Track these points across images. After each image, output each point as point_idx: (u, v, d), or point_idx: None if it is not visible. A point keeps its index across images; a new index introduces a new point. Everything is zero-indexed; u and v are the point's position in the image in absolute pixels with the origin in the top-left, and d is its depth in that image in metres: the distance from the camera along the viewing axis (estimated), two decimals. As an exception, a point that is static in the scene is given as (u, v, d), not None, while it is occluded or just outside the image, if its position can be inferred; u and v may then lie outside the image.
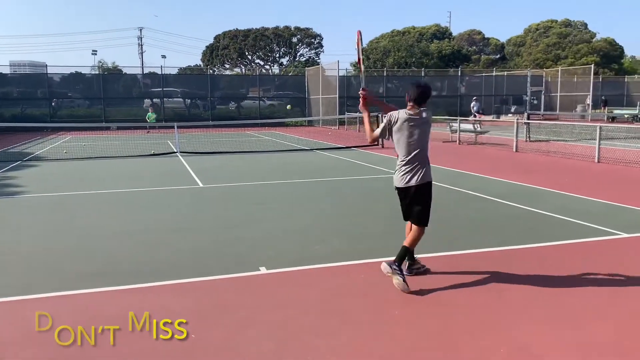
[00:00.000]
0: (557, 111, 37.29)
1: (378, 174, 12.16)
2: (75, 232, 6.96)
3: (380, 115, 5.08)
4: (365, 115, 5.18)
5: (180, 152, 16.96)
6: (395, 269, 4.69)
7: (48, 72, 32.63)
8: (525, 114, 19.02)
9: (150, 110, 29.85)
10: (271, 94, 38.18)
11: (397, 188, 5.00)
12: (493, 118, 37.55)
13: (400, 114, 4.85)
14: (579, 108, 37.11)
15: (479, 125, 19.17)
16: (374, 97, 5.28)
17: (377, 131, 5.00)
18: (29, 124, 25.73)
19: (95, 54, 59.96)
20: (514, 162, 14.05)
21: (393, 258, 4.79)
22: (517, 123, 16.76)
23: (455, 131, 19.61)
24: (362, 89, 5.18)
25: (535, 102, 39.59)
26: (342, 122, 31.35)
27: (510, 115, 39.72)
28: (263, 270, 5.32)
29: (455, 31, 70.67)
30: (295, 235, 6.75)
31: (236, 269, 5.37)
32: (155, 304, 4.48)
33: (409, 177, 4.88)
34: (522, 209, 8.11)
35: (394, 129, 4.87)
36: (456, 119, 20.09)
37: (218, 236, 6.74)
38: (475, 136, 19.23)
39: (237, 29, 56.03)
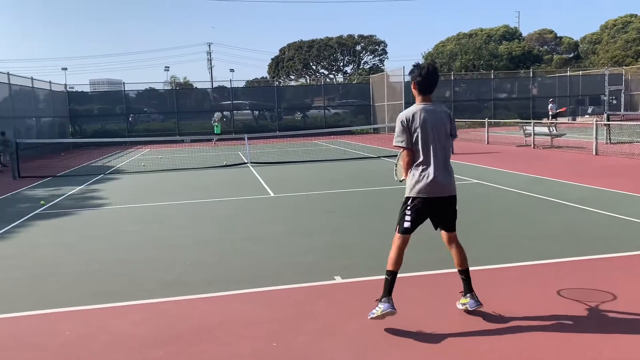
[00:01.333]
0: (639, 111, 35.13)
1: (449, 180, 11.89)
2: (154, 242, 7.24)
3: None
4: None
5: (251, 162, 17.36)
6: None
7: (125, 89, 34.45)
8: (605, 115, 18.00)
9: (216, 121, 30.79)
10: (335, 103, 38.39)
11: (429, 198, 4.12)
12: (569, 120, 35.92)
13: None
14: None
15: (554, 128, 18.35)
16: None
17: (400, 143, 4.13)
18: (109, 139, 27.15)
19: (168, 70, 63.37)
20: (593, 166, 13.33)
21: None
22: (596, 124, 15.88)
23: (530, 134, 18.87)
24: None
25: (614, 102, 37.46)
26: (408, 129, 30.99)
27: (587, 116, 37.85)
28: (338, 279, 5.32)
29: (524, 31, 68.35)
30: (369, 244, 6.70)
31: (311, 278, 5.39)
32: (235, 312, 4.58)
33: (445, 184, 4.16)
34: (603, 215, 7.67)
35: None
36: (530, 122, 19.33)
37: (292, 244, 6.81)
38: (551, 139, 18.42)
39: (301, 40, 56.93)
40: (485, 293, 4.55)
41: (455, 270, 4.45)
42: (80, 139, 30.67)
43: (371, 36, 56.17)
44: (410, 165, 4.15)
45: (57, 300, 5.06)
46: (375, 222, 8.00)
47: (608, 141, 17.89)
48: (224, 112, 36.49)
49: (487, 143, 21.41)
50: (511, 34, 64.16)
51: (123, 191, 12.40)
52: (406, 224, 4.18)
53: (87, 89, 40.91)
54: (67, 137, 31.13)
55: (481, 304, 4.23)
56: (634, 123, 20.24)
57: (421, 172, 4.09)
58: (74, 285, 5.49)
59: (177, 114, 34.83)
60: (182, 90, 39.99)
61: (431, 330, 4.05)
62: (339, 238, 7.04)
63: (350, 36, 55.81)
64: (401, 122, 4.08)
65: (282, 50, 58.37)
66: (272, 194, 10.98)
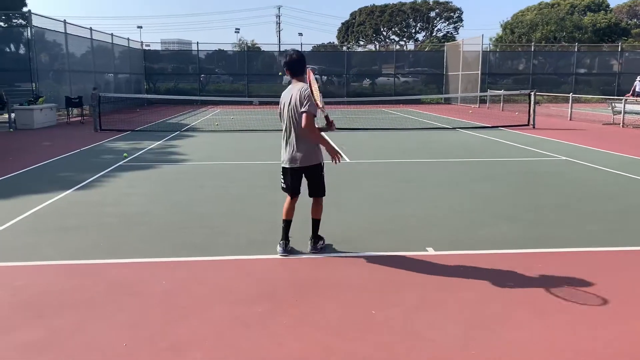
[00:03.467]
0: None
1: (534, 155, 11.31)
2: (238, 199, 7.28)
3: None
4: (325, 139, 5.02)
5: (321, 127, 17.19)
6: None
7: (196, 49, 34.90)
8: None
9: None
10: (406, 71, 37.39)
11: (289, 168, 5.05)
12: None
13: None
14: None
15: (648, 106, 17.05)
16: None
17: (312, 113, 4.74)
18: (183, 97, 27.70)
19: (238, 32, 63.11)
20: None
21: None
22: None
23: (619, 112, 17.65)
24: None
25: None
26: (482, 100, 29.84)
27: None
28: (431, 250, 5.12)
29: (613, 2, 63.65)
30: (457, 216, 6.44)
31: (403, 247, 5.22)
32: (332, 275, 4.49)
33: (297, 156, 4.99)
34: None
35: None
36: (620, 99, 18.05)
37: (375, 213, 6.65)
38: (643, 118, 17.16)
39: (374, 4, 55.51)
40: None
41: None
42: (154, 95, 31.49)
43: (447, 2, 54.00)
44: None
45: (151, 250, 5.16)
46: (458, 194, 7.68)
47: None
48: (293, 76, 36.40)
49: (570, 119, 20.25)
50: (597, 5, 59.97)
51: (200, 148, 12.59)
52: (283, 185, 5.14)
53: (158, 47, 41.61)
54: (143, 93, 32.05)
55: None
56: None
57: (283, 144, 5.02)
58: (166, 236, 5.58)
59: (247, 76, 35.05)
60: (252, 53, 40.08)
61: (544, 312, 3.81)
62: (423, 209, 6.81)
63: (425, 2, 53.88)
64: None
65: (352, 15, 57.23)
66: (347, 160, 10.81)
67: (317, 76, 36.32)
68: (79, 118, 20.75)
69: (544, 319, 3.69)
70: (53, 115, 19.02)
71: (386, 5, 54.48)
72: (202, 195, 7.58)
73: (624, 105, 17.30)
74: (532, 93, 17.97)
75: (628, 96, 18.42)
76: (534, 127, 17.00)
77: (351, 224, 6.06)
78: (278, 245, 4.98)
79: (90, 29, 24.31)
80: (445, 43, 40.83)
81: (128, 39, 30.11)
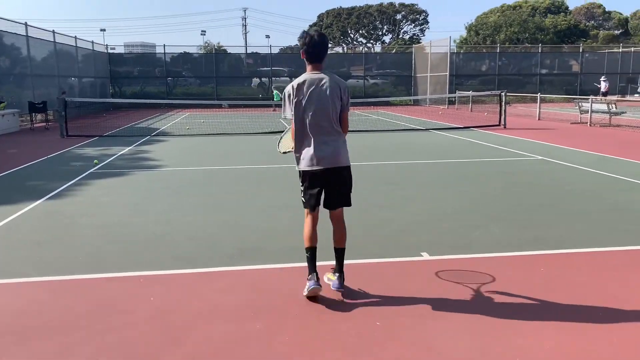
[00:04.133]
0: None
1: (510, 155, 11.39)
2: (220, 206, 7.03)
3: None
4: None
5: (297, 129, 17.03)
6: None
7: (162, 52, 34.20)
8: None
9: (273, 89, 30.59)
10: (375, 73, 37.54)
11: (315, 171, 3.97)
12: (618, 98, 34.43)
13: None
14: None
15: (614, 106, 17.48)
16: None
17: (287, 115, 3.96)
18: (152, 101, 27.14)
19: (204, 35, 62.61)
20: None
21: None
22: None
23: (586, 112, 18.04)
24: None
25: (668, 81, 35.74)
26: (451, 102, 30.17)
27: (637, 95, 36.22)
28: (426, 255, 5.01)
29: (571, 5, 65.57)
30: (447, 219, 6.35)
31: (398, 253, 5.09)
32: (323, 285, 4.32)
33: (328, 155, 3.96)
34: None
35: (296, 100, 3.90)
36: (587, 99, 18.46)
37: (363, 217, 6.51)
38: (609, 118, 17.57)
39: (340, 7, 55.67)
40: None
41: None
42: (123, 99, 30.73)
43: (412, 5, 54.58)
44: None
45: (136, 264, 4.89)
46: (446, 196, 7.62)
47: (671, 122, 16.95)
48: (262, 79, 36.14)
49: (539, 119, 20.61)
50: (557, 7, 61.59)
51: (173, 153, 12.24)
52: (303, 199, 4.10)
53: (122, 50, 40.57)
54: (108, 97, 31.22)
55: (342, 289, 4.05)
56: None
57: (306, 144, 3.94)
58: (150, 248, 5.31)
59: (216, 78, 34.57)
60: (220, 55, 39.54)
61: (556, 317, 3.72)
62: (412, 212, 6.71)
63: (391, 4, 54.31)
64: (286, 93, 3.92)
65: (320, 17, 57.30)
66: (327, 163, 10.66)
67: (288, 78, 36.21)
68: (44, 124, 20.02)
69: (553, 323, 3.60)
70: (15, 121, 18.29)
71: (353, 8, 54.71)
72: (183, 203, 7.30)
73: (591, 105, 17.69)
74: (503, 94, 18.20)
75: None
76: (505, 127, 17.21)
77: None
78: (307, 282, 3.99)
79: (53, 31, 23.51)
80: (413, 45, 41.20)
81: (92, 42, 29.30)
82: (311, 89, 3.86)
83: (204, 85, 35.30)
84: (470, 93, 27.68)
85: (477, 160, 10.91)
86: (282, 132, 4.69)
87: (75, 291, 4.27)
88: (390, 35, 55.74)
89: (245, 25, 79.74)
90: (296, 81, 3.92)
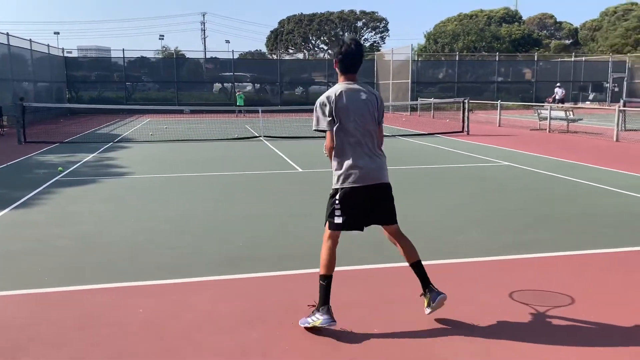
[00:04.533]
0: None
1: (476, 161, 11.65)
2: (197, 214, 6.90)
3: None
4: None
5: (264, 136, 16.95)
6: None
7: (122, 56, 33.44)
8: (622, 102, 17.85)
9: (238, 92, 30.36)
10: (336, 79, 37.72)
11: (359, 187, 3.62)
12: (571, 106, 35.77)
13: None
14: (666, 96, 34.76)
15: (571, 113, 18.15)
16: None
17: (323, 127, 3.63)
18: (113, 106, 26.43)
19: (162, 39, 61.12)
20: (621, 152, 13.13)
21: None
22: (619, 111, 15.69)
23: (545, 118, 18.66)
24: None
25: (616, 89, 37.42)
26: (413, 108, 30.67)
27: (589, 102, 37.77)
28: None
29: (524, 15, 67.86)
30: (427, 224, 6.43)
31: (384, 259, 5.10)
32: (314, 292, 4.28)
33: (374, 169, 3.68)
34: (661, 203, 7.46)
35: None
36: (546, 106, 19.09)
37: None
38: (567, 124, 18.23)
39: (302, 13, 55.85)
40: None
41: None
42: (85, 105, 29.83)
43: (373, 13, 55.28)
44: (332, 149, 3.65)
45: (119, 274, 4.74)
46: (426, 202, 7.72)
47: (623, 128, 17.72)
48: (225, 84, 35.82)
49: (499, 125, 21.18)
50: (511, 17, 63.64)
51: (140, 160, 11.97)
52: (337, 220, 3.66)
53: (75, 54, 39.17)
54: (64, 102, 30.27)
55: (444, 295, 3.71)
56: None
57: (344, 159, 3.61)
58: (131, 258, 5.16)
59: (176, 83, 34.04)
60: (180, 60, 38.98)
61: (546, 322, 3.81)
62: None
63: (352, 11, 54.87)
64: (321, 104, 3.60)
65: (281, 23, 57.27)
66: (299, 169, 10.65)
67: (250, 84, 36.02)
68: (-2, 130, 19.24)
69: (549, 329, 3.69)
70: (-33, 127, 17.49)
71: (314, 14, 54.96)
72: (158, 211, 7.13)
73: (550, 112, 18.31)
74: (465, 101, 18.63)
75: (549, 99, 19.57)
76: (468, 134, 17.60)
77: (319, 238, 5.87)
78: (317, 314, 3.58)
79: (7, 34, 22.65)
80: (375, 52, 41.71)
81: (48, 46, 28.37)
82: (350, 100, 3.55)
83: (164, 90, 34.71)
84: (432, 100, 28.21)
85: (447, 167, 11.11)
86: None
87: (58, 304, 4.11)
88: (351, 42, 56.19)
89: (204, 30, 79.05)
90: (331, 92, 3.60)
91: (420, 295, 3.85)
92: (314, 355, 3.34)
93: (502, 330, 3.63)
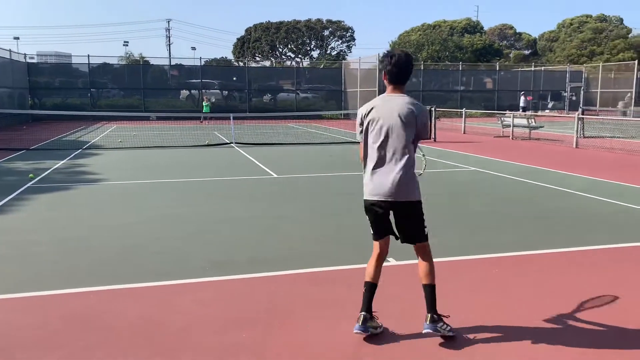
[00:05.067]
0: (597, 107, 36.62)
1: (445, 167, 12.01)
2: (179, 219, 6.96)
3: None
4: None
5: (236, 142, 17.00)
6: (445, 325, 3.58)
7: (87, 62, 32.87)
8: (580, 110, 18.67)
9: (205, 100, 30.16)
10: (306, 87, 38.02)
11: (383, 202, 3.62)
12: (531, 113, 37.01)
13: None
14: (620, 104, 36.33)
15: (533, 120, 18.85)
16: None
17: (358, 138, 3.74)
18: (81, 113, 25.96)
19: (127, 45, 60.38)
20: (581, 158, 13.74)
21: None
22: (578, 119, 16.40)
23: (508, 126, 19.31)
24: None
25: (574, 98, 38.89)
26: (380, 116, 31.16)
27: (548, 111, 39.13)
28: (392, 261, 5.24)
29: (485, 25, 69.75)
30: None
31: (358, 259, 5.28)
32: (310, 293, 4.44)
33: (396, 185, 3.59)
34: (624, 205, 7.90)
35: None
36: (507, 113, 19.76)
37: (325, 225, 6.69)
38: (529, 131, 18.91)
39: (269, 21, 56.04)
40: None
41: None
42: (43, 111, 29.17)
43: (339, 22, 55.94)
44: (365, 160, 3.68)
45: (104, 278, 4.77)
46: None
47: (582, 135, 18.50)
48: (192, 91, 35.62)
49: (464, 133, 21.78)
50: (473, 27, 65.38)
51: (112, 166, 11.87)
52: (372, 230, 3.73)
53: (34, 60, 38.02)
54: (27, 109, 29.54)
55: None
56: (608, 119, 21.07)
57: (372, 170, 3.61)
58: (115, 263, 5.20)
59: (143, 90, 33.67)
60: (146, 67, 38.55)
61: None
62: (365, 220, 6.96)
63: (319, 20, 55.40)
64: (360, 115, 3.66)
65: (248, 31, 57.31)
66: (275, 175, 10.78)
67: (218, 90, 35.91)
68: (-42, 136, 18.69)
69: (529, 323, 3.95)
70: None
71: (281, 23, 55.23)
72: (137, 216, 7.15)
73: (513, 120, 18.96)
74: (432, 108, 19.11)
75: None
76: (435, 140, 18.05)
77: (310, 238, 6.04)
78: (357, 321, 3.60)
79: (-33, 38, 22.02)
80: (343, 61, 42.21)
81: (10, 51, 27.69)
82: (383, 112, 3.55)
83: (129, 97, 34.27)
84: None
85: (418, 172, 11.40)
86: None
87: (44, 308, 4.13)
88: (318, 51, 56.74)
89: (169, 37, 78.28)
90: (371, 103, 3.65)
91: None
92: (308, 350, 3.48)
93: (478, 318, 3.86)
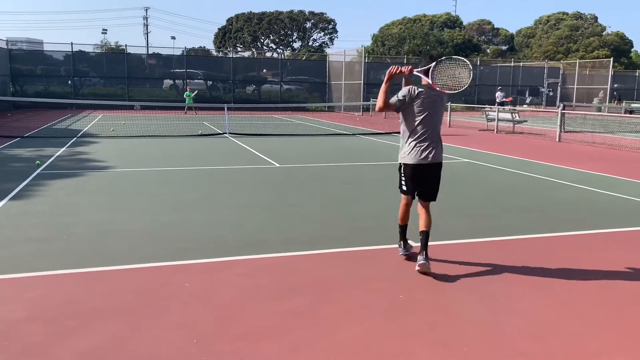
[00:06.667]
0: (574, 103, 37.73)
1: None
2: (197, 205, 7.28)
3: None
4: (386, 85, 4.97)
5: (229, 133, 17.25)
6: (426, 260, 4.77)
7: (68, 50, 32.46)
8: (562, 105, 19.42)
9: (187, 89, 30.06)
10: (289, 79, 38.20)
11: (414, 165, 4.90)
12: (510, 108, 37.95)
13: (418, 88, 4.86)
14: (595, 101, 37.51)
15: (517, 115, 19.52)
16: (409, 78, 4.98)
17: (393, 99, 4.91)
18: (75, 101, 25.61)
19: (106, 33, 59.89)
20: (565, 151, 14.41)
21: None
22: (561, 114, 17.12)
23: (492, 120, 19.96)
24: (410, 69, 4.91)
25: (551, 93, 39.99)
26: (365, 109, 31.63)
27: (526, 106, 40.14)
28: (411, 242, 5.68)
29: (464, 20, 70.71)
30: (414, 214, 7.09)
31: (387, 241, 5.71)
32: (343, 270, 4.85)
33: (430, 153, 4.88)
34: (615, 196, 8.50)
35: (411, 101, 4.83)
36: (491, 107, 20.40)
37: (340, 212, 7.08)
38: (513, 125, 19.59)
39: (251, 12, 55.92)
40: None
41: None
42: (24, 98, 28.83)
43: (322, 14, 56.15)
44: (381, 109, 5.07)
45: (147, 256, 5.10)
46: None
47: (562, 130, 19.25)
48: (176, 81, 35.53)
49: (449, 126, 22.38)
50: (453, 22, 66.29)
51: (113, 155, 12.05)
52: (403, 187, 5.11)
53: (3, 44, 37.10)
54: (8, 96, 29.16)
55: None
56: (586, 114, 21.93)
57: (415, 141, 4.89)
58: (151, 242, 5.52)
59: (127, 79, 33.48)
60: (130, 56, 38.21)
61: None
62: (378, 208, 7.40)
63: (301, 12, 55.51)
64: (407, 90, 4.86)
65: (229, 21, 57.09)
66: (277, 165, 11.13)
67: (202, 81, 35.86)
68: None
69: (537, 296, 4.42)
70: None
71: (264, 13, 55.19)
72: (156, 202, 7.43)
73: (497, 114, 19.62)
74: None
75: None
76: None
77: (329, 223, 6.44)
78: (398, 247, 5.22)
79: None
80: (328, 53, 42.47)
81: (-8, 36, 27.23)
82: (428, 95, 4.82)
83: (110, 85, 34.01)
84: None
85: (413, 162, 11.89)
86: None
87: (105, 282, 4.45)
88: (300, 43, 56.87)
89: (147, 25, 77.25)
90: (414, 87, 4.86)
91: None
92: (359, 312, 3.90)
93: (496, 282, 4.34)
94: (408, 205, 5.12)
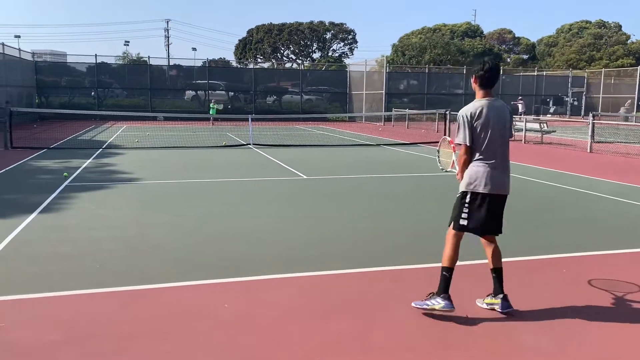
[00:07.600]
0: (599, 113, 37.00)
1: (471, 170, 12.19)
2: (234, 219, 7.10)
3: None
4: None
5: (254, 144, 17.15)
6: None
7: (93, 62, 32.84)
8: (591, 115, 18.90)
9: (212, 102, 30.15)
10: (309, 89, 38.14)
11: (489, 195, 4.06)
12: (533, 118, 37.36)
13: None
14: (622, 110, 36.73)
15: (546, 125, 19.11)
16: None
17: (461, 140, 4.04)
18: (98, 112, 26.01)
19: (128, 45, 60.81)
20: (599, 162, 13.98)
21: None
22: (593, 124, 16.68)
23: (520, 130, 19.57)
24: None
25: (575, 103, 39.31)
26: (387, 119, 31.41)
27: (549, 115, 39.53)
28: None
29: (484, 30, 70.26)
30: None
31: (429, 259, 5.46)
32: (388, 289, 4.61)
33: (506, 181, 4.13)
34: (654, 208, 8.12)
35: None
36: (519, 118, 20.01)
37: (372, 226, 6.84)
38: (541, 136, 19.18)
39: (271, 23, 56.20)
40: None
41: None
42: (49, 110, 29.18)
43: (342, 24, 56.18)
44: (468, 162, 4.07)
45: (184, 273, 4.92)
46: (438, 208, 8.15)
47: (592, 140, 18.76)
48: (198, 92, 35.72)
49: (475, 136, 22.00)
50: (473, 31, 65.85)
51: (140, 166, 11.98)
52: (462, 222, 4.09)
53: (29, 57, 37.40)
54: (34, 108, 29.56)
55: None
56: (618, 123, 21.40)
57: (483, 168, 4.02)
58: (186, 259, 5.34)
59: (150, 90, 33.75)
60: (153, 67, 38.58)
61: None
62: (412, 222, 7.15)
63: (321, 22, 55.63)
64: (464, 117, 4.00)
65: (250, 32, 57.46)
66: (304, 176, 10.93)
67: (223, 92, 36.00)
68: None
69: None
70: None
71: (284, 24, 55.42)
72: (187, 215, 7.28)
73: (525, 124, 19.21)
74: (447, 112, 19.35)
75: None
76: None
77: (362, 238, 6.21)
78: (438, 298, 3.98)
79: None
80: (349, 64, 42.42)
81: (19, 50, 27.72)
82: (491, 114, 3.97)
83: (133, 97, 34.30)
84: (407, 111, 28.99)
85: (443, 175, 11.61)
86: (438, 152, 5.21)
87: (140, 302, 4.27)
88: (319, 53, 56.95)
89: (168, 37, 78.22)
90: (473, 106, 4.01)
91: (488, 296, 4.25)
92: (408, 339, 3.65)
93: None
94: (459, 243, 4.14)
